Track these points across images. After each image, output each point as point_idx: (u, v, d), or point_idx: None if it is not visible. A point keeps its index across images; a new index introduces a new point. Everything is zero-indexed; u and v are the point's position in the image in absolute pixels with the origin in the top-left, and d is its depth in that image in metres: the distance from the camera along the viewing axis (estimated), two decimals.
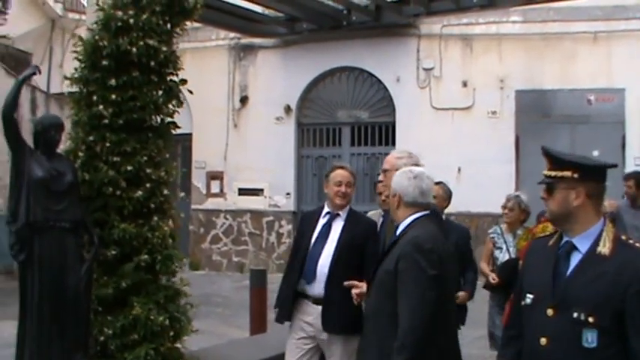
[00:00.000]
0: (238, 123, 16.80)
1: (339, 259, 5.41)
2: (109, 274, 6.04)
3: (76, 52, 6.35)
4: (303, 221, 6.06)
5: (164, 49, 6.24)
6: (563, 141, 14.08)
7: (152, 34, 6.13)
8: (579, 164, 3.22)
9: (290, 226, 16.08)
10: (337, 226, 5.58)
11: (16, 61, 16.07)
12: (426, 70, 15.59)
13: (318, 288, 5.45)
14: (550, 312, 3.15)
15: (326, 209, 5.69)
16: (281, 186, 16.17)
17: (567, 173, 3.19)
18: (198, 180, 16.72)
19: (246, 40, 16.76)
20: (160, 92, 6.23)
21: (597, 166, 3.26)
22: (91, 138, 6.10)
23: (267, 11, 15.38)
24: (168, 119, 6.45)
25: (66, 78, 6.42)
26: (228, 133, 16.76)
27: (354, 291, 4.70)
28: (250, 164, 16.32)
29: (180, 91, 6.47)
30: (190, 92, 6.59)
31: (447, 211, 7.11)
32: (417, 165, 4.67)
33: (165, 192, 6.31)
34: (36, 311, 5.52)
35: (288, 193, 15.97)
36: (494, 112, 15.02)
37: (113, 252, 6.00)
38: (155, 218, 6.17)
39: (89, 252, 5.84)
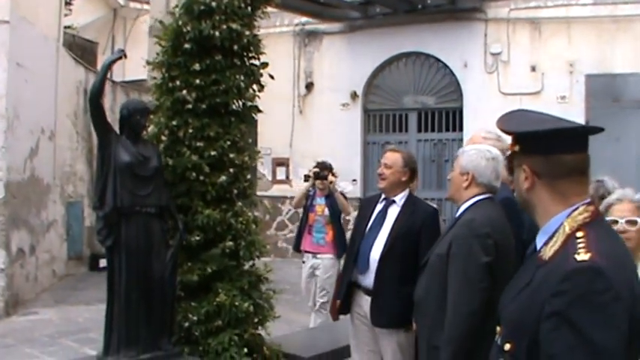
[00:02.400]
0: (304, 109, 16.77)
1: (392, 249, 5.14)
2: (192, 260, 6.01)
3: (157, 37, 6.33)
4: (362, 208, 5.83)
5: (247, 32, 6.17)
6: (634, 126, 13.73)
7: (235, 18, 6.07)
8: (515, 132, 2.42)
9: (356, 213, 15.88)
10: (392, 213, 5.33)
11: (83, 50, 16.26)
12: (493, 54, 15.29)
13: (369, 278, 5.23)
14: (497, 329, 2.44)
15: (383, 195, 5.46)
16: (347, 172, 15.92)
17: (511, 146, 2.45)
18: (263, 167, 16.63)
19: (310, 26, 16.71)
20: (243, 76, 6.16)
21: (535, 133, 2.34)
22: (174, 123, 6.07)
23: None
24: (250, 103, 6.38)
25: (148, 63, 6.40)
26: (293, 119, 16.74)
27: None
28: (316, 151, 16.10)
29: (261, 75, 6.40)
30: (272, 77, 6.52)
31: None
32: (503, 151, 4.27)
33: (249, 177, 6.25)
34: (124, 295, 5.52)
35: (354, 180, 15.82)
36: (563, 97, 14.66)
37: (197, 238, 5.96)
38: (239, 204, 6.12)
39: (173, 237, 5.82)
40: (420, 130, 16.02)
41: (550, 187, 2.32)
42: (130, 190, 5.51)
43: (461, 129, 15.13)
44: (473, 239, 3.72)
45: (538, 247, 2.34)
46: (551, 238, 2.26)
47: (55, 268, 13.03)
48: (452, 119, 15.66)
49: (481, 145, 4.32)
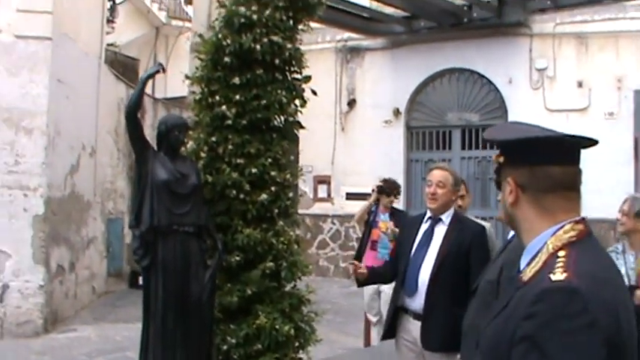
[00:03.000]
0: (346, 126, 16.58)
1: (442, 269, 4.92)
2: (232, 281, 5.85)
3: (197, 51, 6.20)
4: (404, 228, 5.62)
5: (289, 45, 6.01)
6: None
7: (276, 31, 5.92)
8: (498, 141, 2.22)
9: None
10: (440, 233, 5.09)
11: (124, 67, 16.28)
12: (539, 70, 14.99)
13: (418, 301, 4.99)
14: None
15: (428, 214, 5.22)
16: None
17: (496, 158, 2.23)
18: (305, 184, 16.44)
19: (353, 42, 16.58)
20: (284, 91, 5.99)
21: (518, 141, 2.13)
22: (213, 139, 5.93)
23: (377, 7, 15.11)
24: (292, 119, 6.21)
25: (187, 77, 6.26)
26: (335, 136, 16.56)
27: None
28: (358, 168, 16.01)
29: (304, 91, 6.23)
30: (314, 93, 6.33)
31: None
32: None
33: (291, 195, 6.07)
34: (160, 317, 5.38)
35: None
36: (611, 114, 14.29)
37: (237, 258, 5.80)
38: (280, 223, 5.94)
39: (212, 257, 5.65)
40: (464, 148, 15.75)
41: (535, 201, 2.10)
42: (167, 209, 5.38)
43: None
44: None
45: (522, 268, 2.12)
46: (534, 258, 2.05)
47: (94, 285, 12.96)
48: None
49: None
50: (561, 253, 1.96)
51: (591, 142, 2.12)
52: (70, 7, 11.19)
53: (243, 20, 5.88)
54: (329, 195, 16.69)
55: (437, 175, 5.15)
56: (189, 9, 20.78)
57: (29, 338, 9.81)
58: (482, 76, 15.56)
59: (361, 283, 5.43)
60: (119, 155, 14.35)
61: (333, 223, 16.50)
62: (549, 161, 2.08)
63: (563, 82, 14.79)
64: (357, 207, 16.01)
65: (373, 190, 8.92)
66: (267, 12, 5.91)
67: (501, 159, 2.18)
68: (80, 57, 11.90)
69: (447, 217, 5.13)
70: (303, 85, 6.35)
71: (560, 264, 1.91)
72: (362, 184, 16.00)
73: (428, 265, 4.98)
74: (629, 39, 14.31)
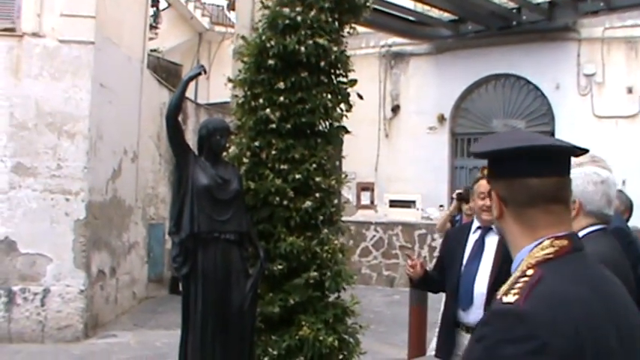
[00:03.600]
0: (390, 133, 16.40)
1: (498, 280, 4.47)
2: (274, 291, 5.69)
3: (239, 53, 6.05)
4: (449, 239, 5.36)
5: (334, 48, 5.83)
6: None
7: (321, 33, 5.76)
8: (475, 153, 2.06)
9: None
10: (492, 242, 4.83)
11: (167, 72, 16.30)
12: (587, 76, 14.66)
13: (474, 314, 4.68)
14: None
15: (476, 224, 4.99)
16: (434, 198, 15.60)
17: (482, 169, 2.16)
18: (348, 191, 16.29)
19: (397, 47, 16.43)
20: (330, 95, 5.82)
21: (491, 153, 2.00)
22: (256, 144, 5.78)
23: (423, 10, 14.94)
24: (337, 124, 6.03)
25: (230, 80, 6.11)
26: (379, 143, 16.38)
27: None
28: (402, 175, 15.85)
29: (349, 95, 6.04)
30: (360, 97, 6.14)
31: None
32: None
33: (335, 202, 5.89)
34: (199, 327, 5.23)
35: (441, 205, 15.31)
36: None
37: (279, 267, 5.63)
38: (325, 231, 5.76)
39: (254, 266, 5.49)
40: None
41: (517, 216, 1.98)
42: (208, 215, 5.23)
43: None
44: None
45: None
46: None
47: (135, 290, 12.93)
48: None
49: (588, 167, 3.78)
50: (529, 272, 1.84)
51: (576, 151, 1.97)
52: (113, 12, 11.16)
53: (287, 21, 5.74)
54: (372, 202, 16.54)
55: (485, 185, 4.92)
56: (232, 15, 20.82)
57: (69, 343, 9.80)
58: (529, 82, 15.30)
59: (414, 284, 5.21)
60: (161, 160, 14.33)
61: (376, 231, 16.30)
62: (527, 172, 1.94)
63: (613, 87, 14.49)
64: (400, 214, 15.99)
65: (453, 198, 8.76)
66: (312, 13, 5.76)
67: (486, 170, 2.08)
68: (123, 61, 11.88)
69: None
70: (348, 90, 6.17)
71: (519, 284, 1.80)
72: (406, 192, 15.84)
73: (483, 277, 4.74)
74: None
